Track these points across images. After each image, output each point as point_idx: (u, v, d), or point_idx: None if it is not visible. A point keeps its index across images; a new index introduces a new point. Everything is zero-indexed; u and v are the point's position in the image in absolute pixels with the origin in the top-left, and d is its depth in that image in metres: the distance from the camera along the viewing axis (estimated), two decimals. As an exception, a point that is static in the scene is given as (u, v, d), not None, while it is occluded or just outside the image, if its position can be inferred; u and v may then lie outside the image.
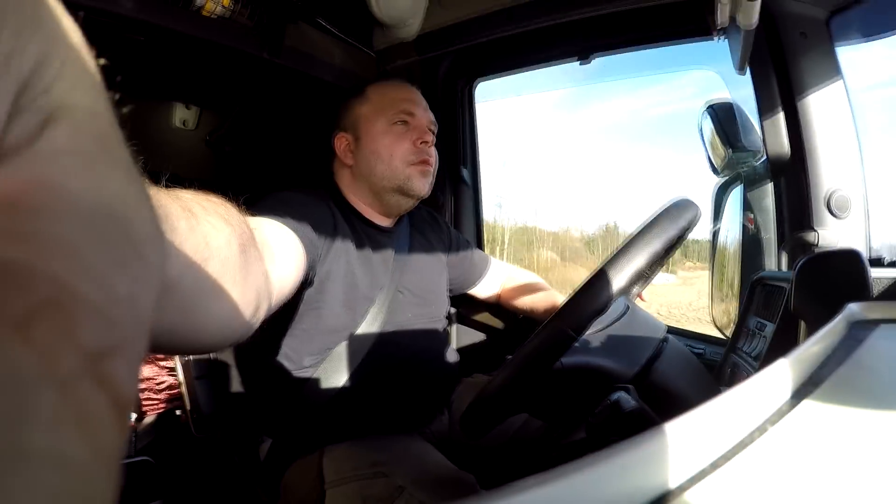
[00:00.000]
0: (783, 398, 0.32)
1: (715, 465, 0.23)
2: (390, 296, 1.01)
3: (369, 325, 0.97)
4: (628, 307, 0.72)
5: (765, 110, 1.01)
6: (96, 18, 1.06)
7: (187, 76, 1.57)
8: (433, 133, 1.03)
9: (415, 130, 0.99)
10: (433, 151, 1.02)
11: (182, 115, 1.66)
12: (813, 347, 0.38)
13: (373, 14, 1.13)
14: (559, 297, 1.15)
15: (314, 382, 0.93)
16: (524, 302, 1.20)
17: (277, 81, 1.49)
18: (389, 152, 0.98)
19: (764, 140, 1.02)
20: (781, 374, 0.33)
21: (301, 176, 1.60)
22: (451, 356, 1.12)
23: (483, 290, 1.29)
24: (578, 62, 1.34)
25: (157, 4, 1.05)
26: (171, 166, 1.72)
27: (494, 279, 1.29)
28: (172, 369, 1.15)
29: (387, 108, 0.99)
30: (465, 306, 1.45)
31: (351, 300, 0.95)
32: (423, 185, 1.00)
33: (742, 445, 0.25)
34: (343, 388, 0.94)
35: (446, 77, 1.56)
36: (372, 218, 1.03)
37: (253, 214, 0.63)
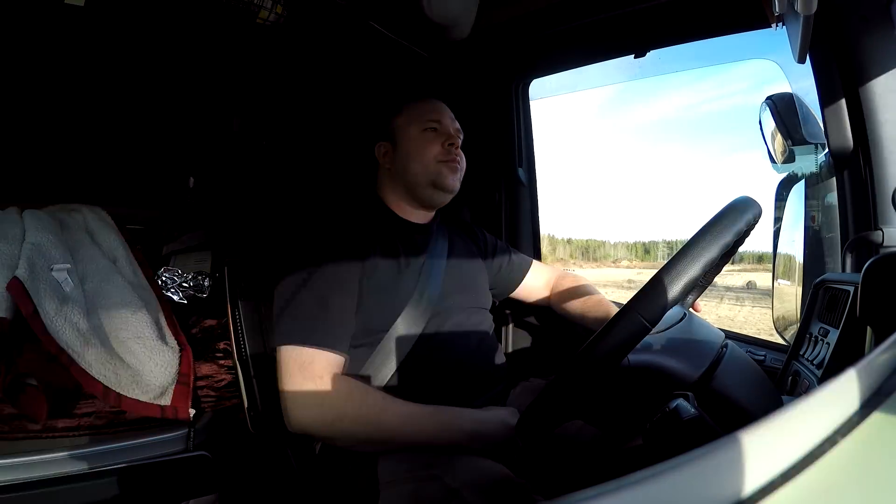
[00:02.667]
0: (852, 409, 0.31)
1: (786, 477, 0.23)
2: (430, 290, 1.06)
3: (413, 319, 1.02)
4: (685, 314, 0.70)
5: (826, 101, 0.97)
6: (157, 31, 1.13)
7: (245, 83, 1.64)
8: (460, 139, 1.16)
9: (443, 135, 1.12)
10: (461, 153, 1.14)
11: (240, 121, 1.74)
12: (883, 355, 0.37)
13: (424, 15, 1.15)
14: (612, 306, 1.15)
15: (363, 380, 0.96)
16: (575, 307, 1.22)
17: (333, 84, 1.54)
18: (422, 152, 1.11)
19: (826, 133, 0.97)
20: (850, 383, 0.32)
21: (349, 180, 1.65)
22: (498, 348, 1.15)
23: (529, 292, 1.32)
24: (633, 56, 1.31)
25: (214, 15, 1.11)
26: (230, 170, 1.82)
27: (539, 281, 1.31)
28: (231, 368, 1.21)
29: (419, 118, 1.13)
30: (519, 310, 1.45)
31: (388, 299, 1.01)
32: (452, 180, 1.11)
33: (813, 457, 0.25)
34: (391, 385, 0.97)
35: (500, 76, 1.56)
36: (408, 217, 1.14)
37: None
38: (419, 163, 1.10)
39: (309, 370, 0.88)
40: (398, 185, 1.13)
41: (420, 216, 1.16)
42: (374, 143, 1.18)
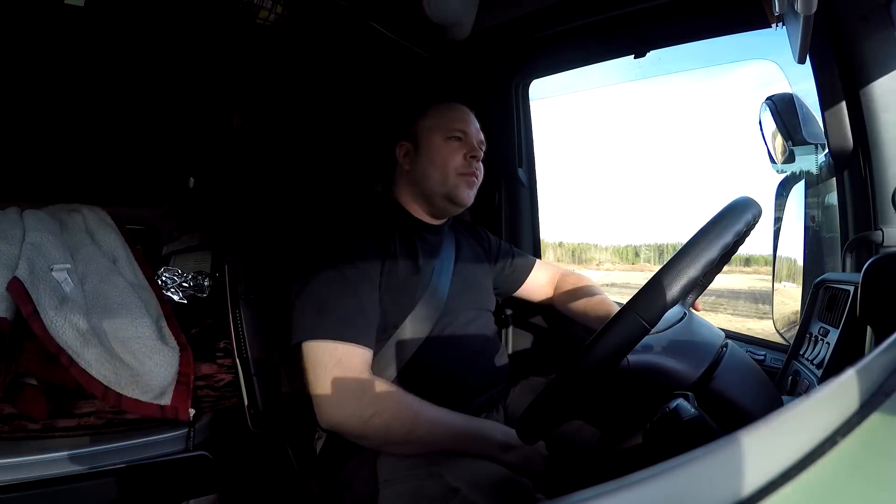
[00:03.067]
0: (852, 409, 0.31)
1: (786, 477, 0.23)
2: (440, 290, 1.06)
3: (422, 319, 1.02)
4: (685, 314, 0.70)
5: (826, 101, 0.97)
6: (157, 31, 1.13)
7: (245, 84, 1.64)
8: (482, 150, 1.15)
9: (466, 146, 1.12)
10: (481, 166, 1.14)
11: (240, 121, 1.74)
12: (883, 355, 0.37)
13: (425, 15, 1.15)
14: (613, 306, 1.15)
15: None
16: (577, 307, 1.22)
17: (333, 84, 1.54)
18: (444, 162, 1.10)
19: (826, 133, 0.97)
20: (850, 383, 0.32)
21: (354, 179, 1.66)
22: (501, 349, 1.15)
23: (532, 292, 1.32)
24: (633, 57, 1.31)
25: (213, 15, 1.11)
26: (231, 170, 1.82)
27: (542, 281, 1.31)
28: (231, 367, 1.21)
29: (446, 124, 1.12)
30: (520, 309, 1.45)
31: (401, 297, 1.01)
32: (468, 195, 1.12)
33: (813, 457, 0.25)
34: (394, 383, 0.97)
35: (500, 76, 1.56)
36: (421, 217, 1.14)
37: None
38: (439, 172, 1.09)
39: (346, 365, 0.87)
40: (415, 188, 1.13)
41: (432, 220, 1.16)
42: (394, 141, 1.17)
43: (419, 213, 1.14)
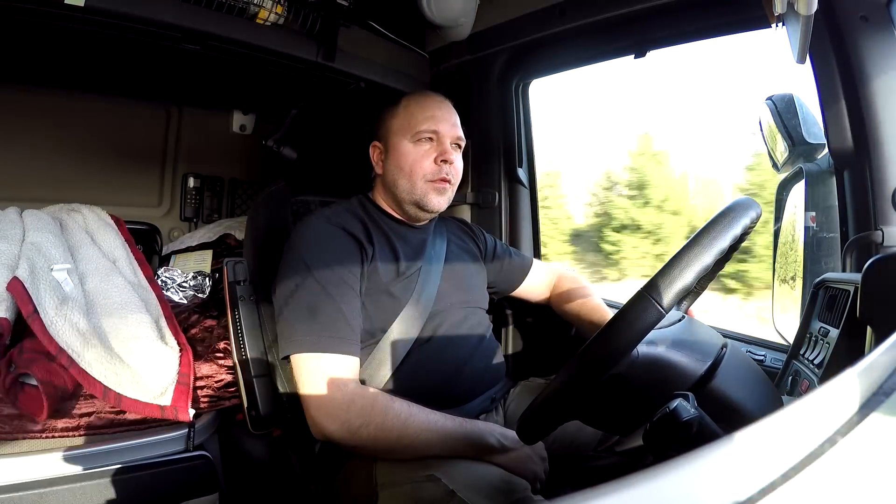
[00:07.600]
0: (852, 409, 0.31)
1: (786, 477, 0.23)
2: (428, 290, 1.05)
3: (411, 320, 1.01)
4: (684, 316, 0.71)
5: (826, 101, 0.97)
6: (157, 31, 1.13)
7: (245, 84, 1.64)
8: (459, 147, 1.09)
9: (438, 148, 1.05)
10: (455, 169, 1.07)
11: (240, 121, 1.74)
12: (883, 355, 0.37)
13: (424, 15, 1.15)
14: (607, 310, 1.15)
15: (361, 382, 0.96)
16: (572, 309, 1.22)
17: (331, 85, 1.54)
18: (411, 168, 1.04)
19: (826, 133, 0.97)
20: (850, 383, 0.32)
21: (347, 179, 1.66)
22: (497, 348, 1.15)
23: (530, 292, 1.31)
24: (633, 57, 1.31)
25: (213, 15, 1.11)
26: (231, 169, 1.82)
27: (540, 281, 1.30)
28: (231, 368, 1.21)
29: (414, 125, 1.05)
30: (520, 309, 1.44)
31: (386, 300, 1.00)
32: (438, 202, 1.06)
33: (813, 457, 0.25)
34: (388, 386, 0.97)
35: (500, 76, 1.56)
36: (402, 217, 1.12)
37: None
38: (407, 180, 1.05)
39: (332, 377, 0.87)
40: (388, 193, 1.10)
41: (412, 219, 1.13)
42: (369, 141, 1.14)
43: (398, 214, 1.12)
